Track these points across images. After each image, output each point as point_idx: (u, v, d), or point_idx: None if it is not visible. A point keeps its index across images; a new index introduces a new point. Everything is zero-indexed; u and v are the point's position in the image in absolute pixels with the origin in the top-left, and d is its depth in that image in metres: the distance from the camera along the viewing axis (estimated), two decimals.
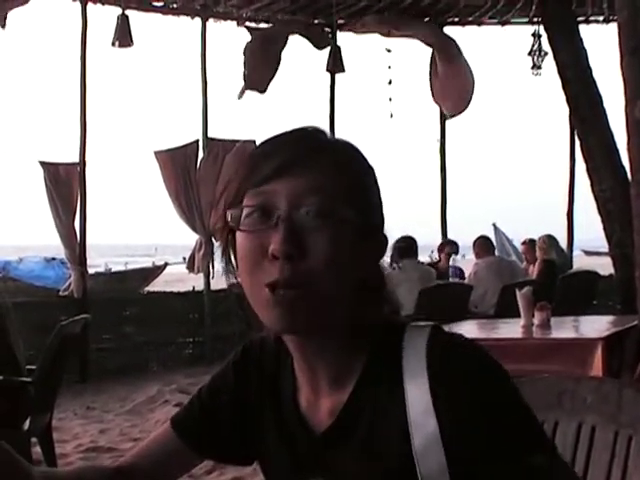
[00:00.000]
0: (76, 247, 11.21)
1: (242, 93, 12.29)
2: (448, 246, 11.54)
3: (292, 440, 1.57)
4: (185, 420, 1.72)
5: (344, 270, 1.42)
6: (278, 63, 12.32)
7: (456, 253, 11.86)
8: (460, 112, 13.00)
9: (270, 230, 1.40)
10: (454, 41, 12.82)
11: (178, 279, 20.36)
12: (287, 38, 12.36)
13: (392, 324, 1.50)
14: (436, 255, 12.41)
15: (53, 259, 23.74)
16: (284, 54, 12.39)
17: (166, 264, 26.25)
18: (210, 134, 12.28)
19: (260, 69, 12.11)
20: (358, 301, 1.47)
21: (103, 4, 11.17)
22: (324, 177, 1.43)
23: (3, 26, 9.93)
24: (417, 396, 1.39)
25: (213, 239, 11.96)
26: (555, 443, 1.55)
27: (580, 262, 20.80)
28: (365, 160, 1.53)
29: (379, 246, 1.51)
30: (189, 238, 12.20)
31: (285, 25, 12.48)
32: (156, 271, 25.23)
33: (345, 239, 1.42)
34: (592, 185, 9.99)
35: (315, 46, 12.71)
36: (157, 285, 20.45)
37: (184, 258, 12.76)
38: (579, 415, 2.26)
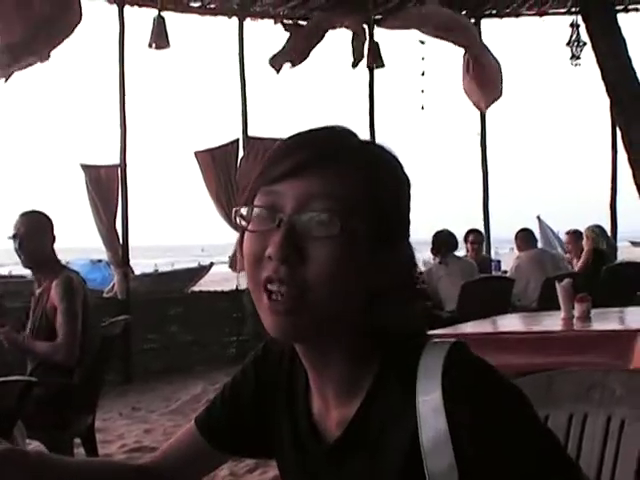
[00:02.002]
0: (119, 249, 11.28)
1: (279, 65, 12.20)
2: (472, 235, 11.37)
3: (303, 446, 1.55)
4: (207, 418, 1.72)
5: (346, 282, 1.37)
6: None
7: (481, 242, 11.69)
8: (490, 104, 12.93)
9: (272, 231, 1.37)
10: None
11: (224, 278, 20.39)
12: (325, 33, 12.35)
13: (411, 340, 1.44)
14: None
15: (99, 261, 23.94)
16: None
17: (212, 264, 26.37)
18: (250, 133, 12.30)
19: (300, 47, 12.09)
20: (368, 313, 1.43)
21: (140, 6, 11.23)
22: (337, 183, 1.38)
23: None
24: (430, 416, 1.34)
25: None
26: (579, 465, 1.47)
27: (627, 253, 20.64)
28: (396, 170, 1.47)
29: (397, 259, 1.44)
30: (235, 236, 12.23)
31: (324, 20, 12.45)
32: (202, 271, 25.37)
33: (351, 251, 1.36)
34: (634, 176, 9.90)
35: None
36: (203, 285, 20.55)
37: (230, 257, 12.81)
38: (608, 408, 2.24)
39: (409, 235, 1.49)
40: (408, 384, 1.37)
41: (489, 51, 12.72)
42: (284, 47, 12.05)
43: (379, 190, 1.41)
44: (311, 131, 1.46)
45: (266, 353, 1.67)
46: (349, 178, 1.39)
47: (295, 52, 12.03)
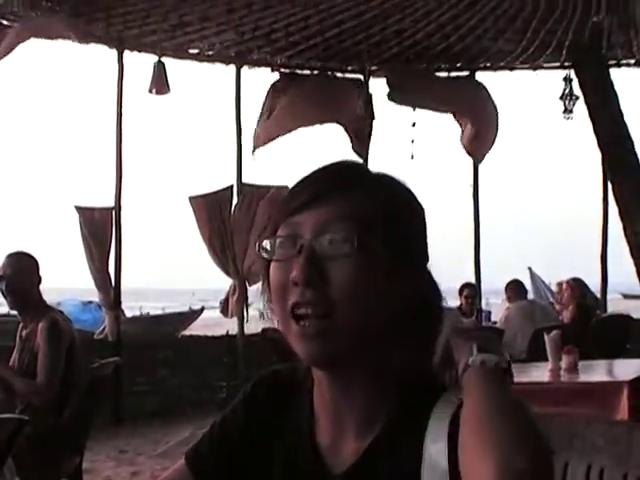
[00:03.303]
0: (110, 291, 11.30)
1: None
2: (466, 289, 11.50)
3: (303, 478, 1.57)
4: (196, 454, 1.73)
5: (366, 301, 1.43)
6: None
7: (475, 296, 11.80)
8: (485, 155, 13.06)
9: (295, 258, 1.44)
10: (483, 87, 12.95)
11: (216, 323, 20.40)
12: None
13: (430, 382, 1.50)
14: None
15: (90, 302, 23.96)
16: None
17: (203, 308, 26.38)
18: (244, 179, 12.37)
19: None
20: (388, 341, 1.49)
21: (140, 51, 11.36)
22: (351, 207, 1.46)
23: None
24: (434, 459, 1.38)
25: (247, 283, 12.06)
26: None
27: (617, 305, 20.68)
28: (409, 196, 1.55)
29: (413, 284, 1.49)
30: (227, 282, 12.28)
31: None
32: (193, 315, 25.35)
33: (368, 270, 1.43)
34: (625, 228, 10.00)
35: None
36: (195, 329, 20.52)
37: (221, 302, 12.83)
38: (589, 457, 2.29)
39: (427, 261, 1.56)
40: (421, 425, 1.42)
41: (491, 101, 12.86)
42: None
43: (393, 212, 1.49)
44: (326, 165, 1.56)
45: (255, 391, 1.70)
46: (364, 202, 1.47)
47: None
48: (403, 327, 1.49)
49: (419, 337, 1.51)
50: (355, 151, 12.50)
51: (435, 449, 1.39)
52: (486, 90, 12.91)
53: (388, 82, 12.58)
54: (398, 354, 1.50)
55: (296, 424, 1.61)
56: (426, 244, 1.56)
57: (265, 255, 1.51)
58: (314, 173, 1.54)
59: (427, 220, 1.57)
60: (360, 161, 1.61)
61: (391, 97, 12.53)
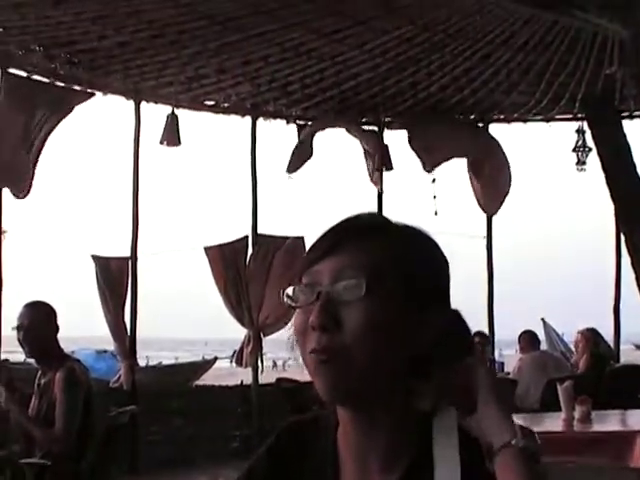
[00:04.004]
0: (126, 340, 11.34)
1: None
2: (478, 337, 11.49)
3: None
4: None
5: (381, 343, 1.49)
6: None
7: (487, 344, 11.78)
8: (499, 208, 13.13)
9: (313, 304, 1.51)
10: (495, 140, 13.06)
11: (229, 373, 20.41)
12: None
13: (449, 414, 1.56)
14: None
15: (105, 351, 23.99)
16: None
17: (216, 358, 26.41)
18: (260, 230, 12.45)
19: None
20: (409, 382, 1.54)
21: (156, 103, 11.51)
22: (364, 255, 1.53)
23: None
24: None
25: (261, 334, 12.11)
26: None
27: (630, 356, 20.60)
28: (427, 242, 1.61)
29: (430, 329, 1.55)
30: (240, 332, 12.32)
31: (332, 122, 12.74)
32: (206, 365, 25.38)
33: (379, 313, 1.49)
34: (637, 279, 10.02)
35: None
36: (207, 379, 20.53)
37: (234, 352, 12.85)
38: None
39: (447, 303, 1.62)
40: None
41: (503, 153, 12.96)
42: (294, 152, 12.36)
43: (407, 257, 1.55)
44: (347, 217, 1.63)
45: (280, 442, 1.73)
46: (377, 250, 1.54)
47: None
48: (420, 369, 1.54)
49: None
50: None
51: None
52: (498, 142, 13.01)
53: (408, 130, 12.71)
54: (416, 393, 1.55)
55: (320, 468, 1.64)
56: (446, 283, 1.62)
57: (289, 302, 1.58)
58: (336, 225, 1.62)
59: (450, 268, 1.63)
60: (376, 213, 1.68)
61: (411, 145, 12.66)
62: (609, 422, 6.86)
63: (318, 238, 1.61)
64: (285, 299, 1.58)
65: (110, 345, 12.92)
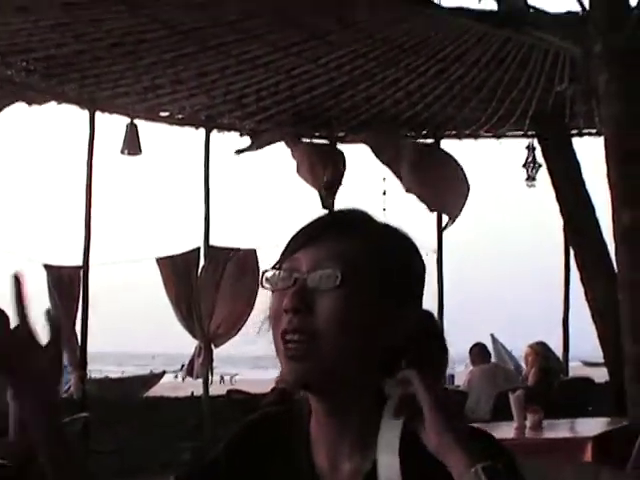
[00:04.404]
0: (77, 351, 11.27)
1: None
2: None
3: None
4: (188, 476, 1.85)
5: (351, 332, 1.54)
6: None
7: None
8: (457, 215, 13.18)
9: (290, 289, 1.58)
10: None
11: (177, 387, 20.34)
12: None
13: None
14: None
15: None
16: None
17: (164, 372, 26.27)
18: (212, 242, 12.44)
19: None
20: (382, 370, 1.60)
21: (112, 113, 11.47)
22: (341, 247, 1.59)
23: None
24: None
25: (212, 345, 12.10)
26: None
27: (579, 373, 20.79)
28: (403, 240, 1.68)
29: (403, 324, 1.60)
30: (188, 347, 12.29)
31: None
32: (154, 379, 25.21)
33: (351, 304, 1.55)
34: (586, 294, 10.18)
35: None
36: (155, 393, 20.42)
37: (182, 366, 12.84)
38: None
39: (420, 301, 1.68)
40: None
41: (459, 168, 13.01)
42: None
43: (384, 253, 1.61)
44: (332, 211, 1.75)
45: (243, 432, 1.78)
46: (356, 243, 1.61)
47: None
48: (401, 357, 1.59)
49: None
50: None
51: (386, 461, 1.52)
52: (453, 158, 13.08)
53: (369, 145, 12.78)
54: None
55: (294, 454, 1.68)
56: (420, 281, 1.68)
57: (267, 286, 1.64)
58: (319, 217, 1.69)
59: (426, 269, 1.70)
60: (363, 209, 1.72)
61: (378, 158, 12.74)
62: (560, 430, 6.97)
63: (301, 228, 1.67)
64: (265, 283, 1.64)
65: None
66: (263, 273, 1.65)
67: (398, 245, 1.66)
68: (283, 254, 1.66)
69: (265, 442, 1.73)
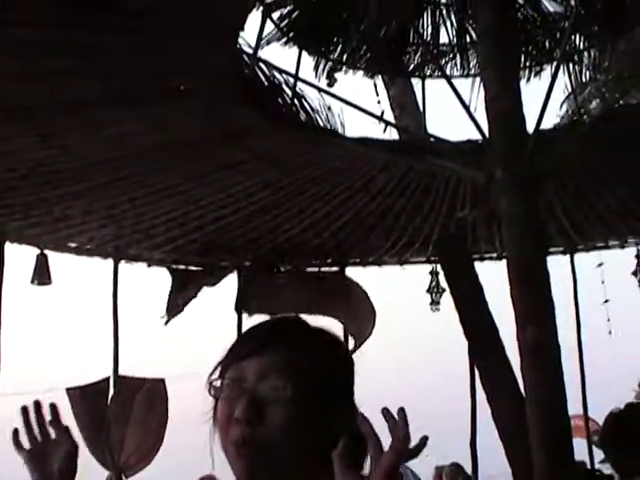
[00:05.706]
0: None
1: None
2: None
3: None
4: None
5: (297, 438, 1.68)
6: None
7: None
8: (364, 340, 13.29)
9: (239, 399, 1.70)
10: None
11: None
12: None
13: None
14: None
15: None
16: None
17: None
18: (122, 371, 12.34)
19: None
20: (323, 469, 1.74)
21: (21, 244, 11.41)
22: (289, 358, 1.72)
23: None
24: None
25: (123, 476, 11.91)
26: None
27: None
28: (338, 348, 1.83)
29: (339, 422, 1.75)
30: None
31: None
32: None
33: (302, 412, 1.68)
34: (492, 413, 10.33)
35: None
36: None
37: None
38: None
39: (353, 403, 1.84)
40: None
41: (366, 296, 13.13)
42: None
43: (324, 360, 1.78)
44: (273, 319, 1.86)
45: None
46: (299, 353, 1.75)
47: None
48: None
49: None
50: None
51: None
52: (359, 287, 13.26)
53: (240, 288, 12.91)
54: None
55: None
56: (351, 384, 1.85)
57: (214, 393, 1.77)
58: (262, 325, 1.84)
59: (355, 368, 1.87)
60: (298, 317, 1.87)
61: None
62: None
63: (245, 335, 1.83)
64: (211, 390, 1.77)
65: None
66: (211, 384, 1.77)
67: (335, 350, 1.84)
68: (226, 362, 1.79)
69: None
